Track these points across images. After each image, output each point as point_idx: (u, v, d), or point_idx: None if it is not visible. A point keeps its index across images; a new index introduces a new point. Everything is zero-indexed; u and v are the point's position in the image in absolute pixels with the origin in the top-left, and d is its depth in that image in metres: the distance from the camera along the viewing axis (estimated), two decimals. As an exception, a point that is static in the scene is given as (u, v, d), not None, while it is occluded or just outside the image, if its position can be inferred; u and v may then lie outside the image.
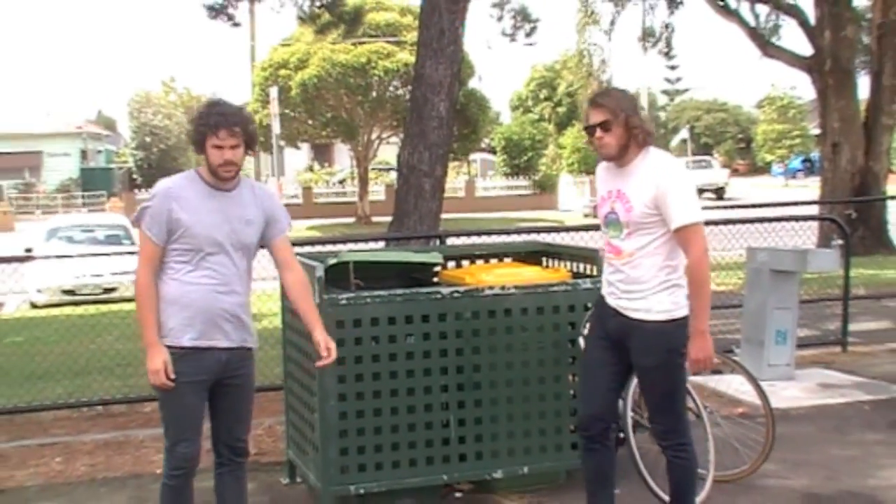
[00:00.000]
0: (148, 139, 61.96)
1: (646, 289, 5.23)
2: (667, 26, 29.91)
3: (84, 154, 62.82)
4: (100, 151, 67.15)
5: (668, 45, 30.13)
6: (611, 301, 5.41)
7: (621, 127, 5.18)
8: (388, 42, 42.17)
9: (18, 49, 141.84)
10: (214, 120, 5.11)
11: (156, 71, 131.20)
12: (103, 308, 16.51)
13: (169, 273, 5.19)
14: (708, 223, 12.88)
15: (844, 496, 6.61)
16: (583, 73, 40.02)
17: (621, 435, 6.84)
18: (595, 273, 6.86)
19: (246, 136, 5.21)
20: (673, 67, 78.52)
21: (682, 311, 5.26)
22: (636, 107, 5.34)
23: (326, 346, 5.37)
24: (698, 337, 5.21)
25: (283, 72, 42.26)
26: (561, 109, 69.19)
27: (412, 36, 28.28)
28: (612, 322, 5.44)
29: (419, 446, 6.48)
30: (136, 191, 52.19)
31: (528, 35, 24.03)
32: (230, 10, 20.96)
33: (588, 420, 5.69)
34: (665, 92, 71.73)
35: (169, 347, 5.14)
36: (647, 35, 29.82)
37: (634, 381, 6.72)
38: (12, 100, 53.92)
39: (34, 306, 20.05)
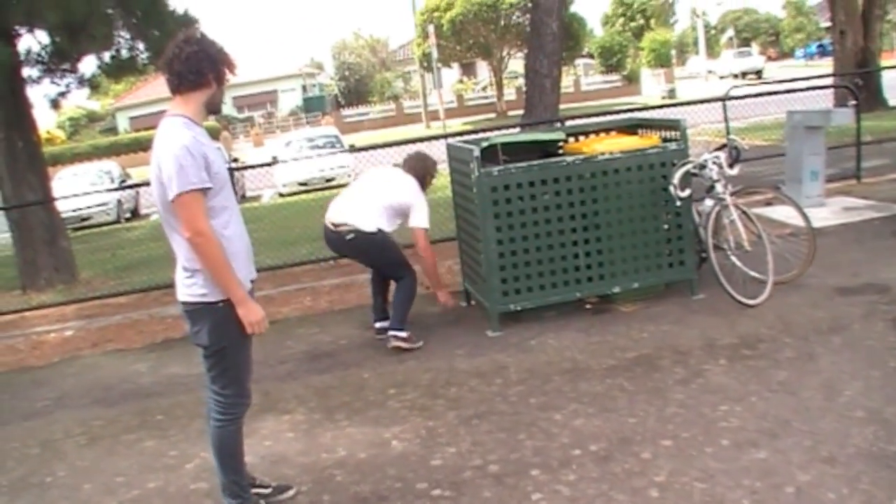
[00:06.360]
0: (346, 73, 62.43)
1: None
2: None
3: (304, 88, 63.19)
4: (314, 85, 67.44)
5: None
6: None
7: None
8: (510, -17, 41.61)
9: (255, 16, 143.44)
10: (232, 63, 3.58)
11: (347, 23, 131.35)
12: (327, 193, 16.66)
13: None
14: (754, 96, 12.58)
15: (865, 287, 6.37)
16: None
17: (704, 255, 6.65)
18: (679, 138, 6.56)
19: None
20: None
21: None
22: None
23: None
24: None
25: (436, 13, 42.13)
26: (633, 23, 66.80)
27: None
28: None
29: (557, 273, 6.38)
30: (340, 109, 52.81)
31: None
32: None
33: None
34: (715, 3, 69.55)
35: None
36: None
37: (712, 210, 6.47)
38: (253, 55, 54.67)
39: (281, 196, 20.46)
